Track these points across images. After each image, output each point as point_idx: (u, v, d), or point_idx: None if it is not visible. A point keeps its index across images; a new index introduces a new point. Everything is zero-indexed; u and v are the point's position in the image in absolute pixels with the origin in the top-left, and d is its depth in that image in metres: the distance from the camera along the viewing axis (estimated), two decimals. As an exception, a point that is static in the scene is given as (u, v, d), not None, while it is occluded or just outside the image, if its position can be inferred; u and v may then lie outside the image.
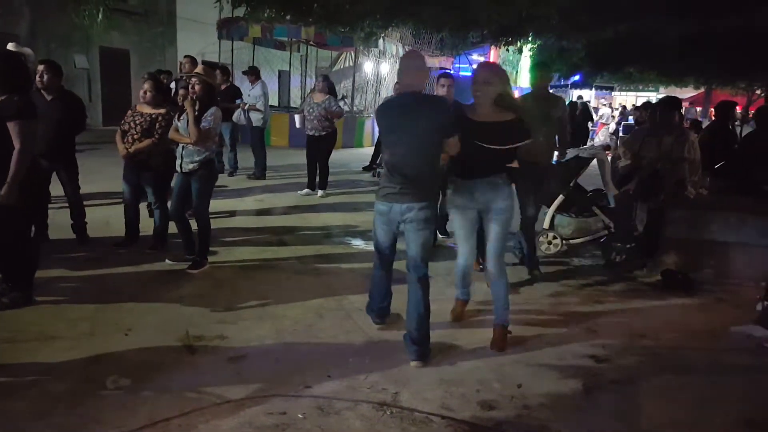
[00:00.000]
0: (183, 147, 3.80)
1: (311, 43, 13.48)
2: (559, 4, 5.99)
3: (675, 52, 9.38)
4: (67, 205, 4.46)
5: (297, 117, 7.19)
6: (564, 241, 4.75)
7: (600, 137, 14.90)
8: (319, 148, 6.76)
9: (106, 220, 4.91)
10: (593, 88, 20.22)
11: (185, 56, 6.91)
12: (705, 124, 10.16)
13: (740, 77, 13.29)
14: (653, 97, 18.36)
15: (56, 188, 4.33)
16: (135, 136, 4.10)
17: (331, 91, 6.86)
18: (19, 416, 2.18)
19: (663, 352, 3.09)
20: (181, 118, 3.84)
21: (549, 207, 4.71)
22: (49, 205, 4.45)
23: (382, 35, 11.06)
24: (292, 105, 15.34)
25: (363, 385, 2.53)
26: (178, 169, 3.87)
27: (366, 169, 9.02)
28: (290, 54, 15.18)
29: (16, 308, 3.09)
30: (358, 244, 4.94)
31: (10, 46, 5.48)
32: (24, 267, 3.18)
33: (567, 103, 8.52)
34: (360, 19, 7.34)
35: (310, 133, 6.73)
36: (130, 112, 4.27)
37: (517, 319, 3.25)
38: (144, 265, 3.94)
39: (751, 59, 9.08)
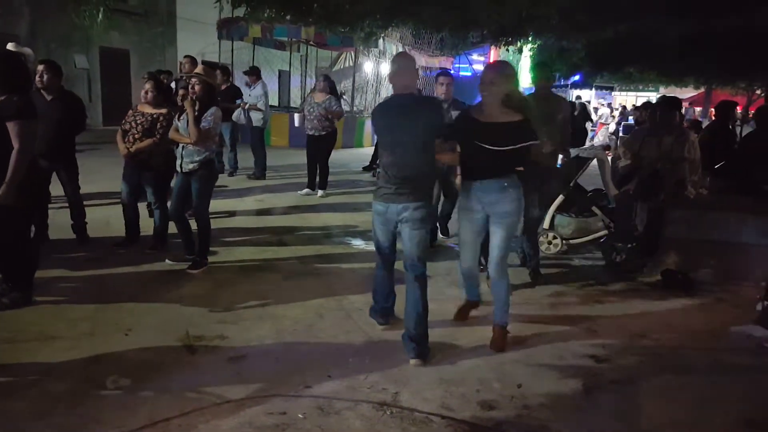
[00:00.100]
0: (183, 147, 3.80)
1: (311, 43, 13.49)
2: (559, 4, 5.99)
3: (675, 52, 9.38)
4: (67, 205, 4.46)
5: (297, 116, 7.20)
6: (564, 241, 4.76)
7: (599, 137, 14.90)
8: (319, 148, 6.76)
9: (106, 220, 4.91)
10: (593, 88, 20.21)
11: (185, 56, 6.91)
12: (705, 124, 10.16)
13: (740, 77, 13.29)
14: (653, 97, 18.35)
15: (56, 188, 4.33)
16: (136, 136, 4.10)
17: (332, 90, 6.86)
18: (19, 416, 2.18)
19: (663, 352, 3.09)
20: (181, 118, 3.84)
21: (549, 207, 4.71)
22: (49, 205, 4.45)
23: (382, 35, 11.06)
24: (292, 105, 15.34)
25: (363, 385, 2.53)
26: (178, 169, 3.87)
27: (366, 169, 9.02)
28: (290, 54, 15.18)
29: (16, 308, 3.09)
30: (358, 244, 4.94)
31: (10, 46, 5.49)
32: (24, 267, 3.18)
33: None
34: (360, 19, 7.34)
35: (310, 133, 6.73)
36: (131, 111, 4.27)
37: (517, 319, 3.25)
38: (144, 265, 3.94)
39: (751, 59, 9.08)
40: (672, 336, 3.29)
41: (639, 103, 12.60)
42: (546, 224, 4.70)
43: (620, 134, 13.79)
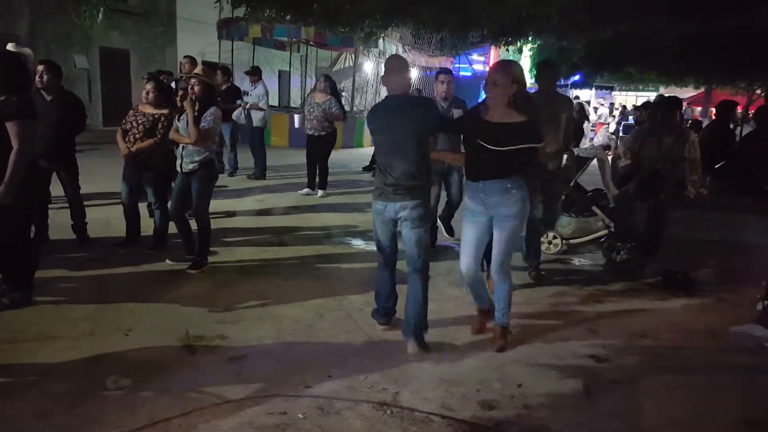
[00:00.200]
0: (183, 147, 3.80)
1: (311, 43, 13.49)
2: (558, 4, 5.99)
3: (675, 52, 9.38)
4: (67, 205, 4.46)
5: (297, 117, 7.20)
6: (564, 241, 4.76)
7: (599, 137, 14.91)
8: (318, 148, 6.76)
9: (106, 221, 4.91)
10: (593, 88, 20.20)
11: (185, 56, 6.91)
12: (705, 123, 10.16)
13: (740, 77, 13.29)
14: (653, 97, 18.34)
15: (56, 188, 4.33)
16: (137, 136, 4.10)
17: (333, 91, 6.85)
18: (19, 416, 2.18)
19: (663, 351, 3.09)
20: (181, 118, 3.84)
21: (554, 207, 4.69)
22: (50, 206, 4.45)
23: (382, 35, 11.07)
24: (292, 105, 15.35)
25: (363, 384, 2.53)
26: (178, 169, 3.87)
27: (366, 169, 9.02)
28: (290, 54, 15.18)
29: (16, 308, 3.09)
30: (359, 244, 4.94)
31: (10, 47, 5.49)
32: (24, 267, 3.18)
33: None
34: (360, 19, 7.33)
35: (310, 133, 6.73)
36: (131, 111, 4.27)
37: (517, 319, 3.25)
38: (144, 266, 3.94)
39: (751, 59, 9.08)
40: (672, 336, 3.29)
41: (639, 103, 12.59)
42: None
43: (620, 134, 13.79)
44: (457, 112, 4.21)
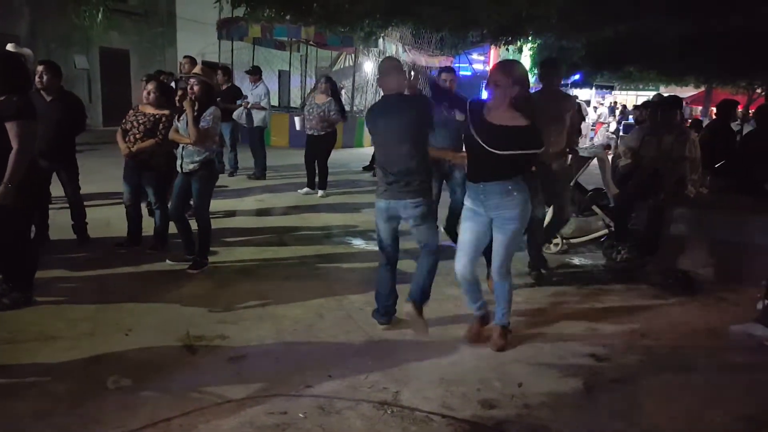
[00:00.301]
0: (183, 147, 3.80)
1: (311, 43, 13.49)
2: (558, 4, 5.98)
3: (675, 52, 9.37)
4: (67, 205, 4.46)
5: (297, 119, 7.18)
6: (564, 240, 4.75)
7: (599, 137, 14.92)
8: (318, 148, 6.76)
9: (106, 221, 4.91)
10: (593, 88, 20.20)
11: (185, 56, 6.91)
12: (705, 122, 10.16)
13: (740, 77, 13.28)
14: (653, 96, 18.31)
15: (56, 189, 4.33)
16: (137, 136, 4.10)
17: (333, 92, 6.84)
18: (20, 416, 2.18)
19: (663, 351, 3.09)
20: (181, 118, 3.84)
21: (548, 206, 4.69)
22: (50, 206, 4.45)
23: (382, 35, 11.06)
24: (292, 105, 15.34)
25: (363, 384, 2.53)
26: (178, 169, 3.87)
27: (366, 168, 9.02)
28: (290, 54, 15.18)
29: (17, 308, 3.09)
30: (359, 244, 4.94)
31: (10, 47, 5.49)
32: (24, 267, 3.18)
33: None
34: (360, 18, 7.33)
35: (310, 133, 6.74)
36: (131, 111, 4.27)
37: (517, 319, 3.25)
38: (144, 266, 3.95)
39: (751, 59, 9.08)
40: (672, 335, 3.29)
41: (639, 103, 12.58)
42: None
43: (620, 133, 13.79)
44: (459, 114, 4.19)
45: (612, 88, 21.79)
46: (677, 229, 4.41)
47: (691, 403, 2.56)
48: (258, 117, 7.55)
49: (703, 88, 18.88)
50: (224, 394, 2.39)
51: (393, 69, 2.96)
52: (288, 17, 8.34)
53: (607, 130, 16.02)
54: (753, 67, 10.37)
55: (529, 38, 9.89)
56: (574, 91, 19.56)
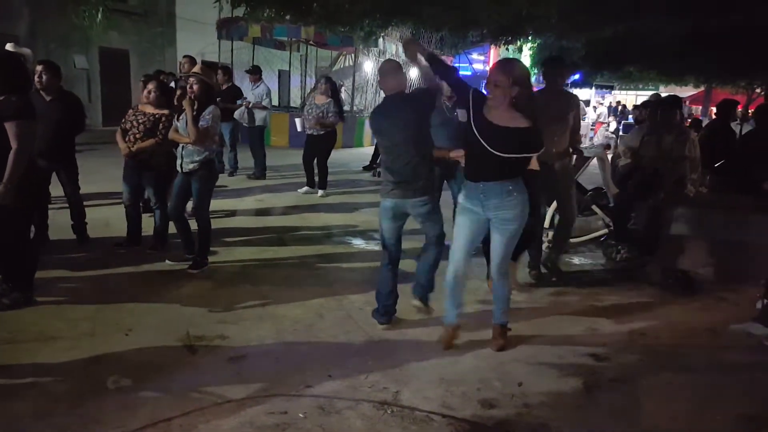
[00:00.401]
0: (183, 147, 3.80)
1: (311, 42, 13.48)
2: (558, 3, 5.98)
3: (675, 52, 9.37)
4: (67, 205, 4.46)
5: (298, 121, 7.17)
6: (555, 226, 4.73)
7: (599, 137, 14.91)
8: (318, 148, 6.76)
9: (106, 221, 4.91)
10: (593, 87, 20.20)
11: (184, 56, 6.91)
12: (705, 122, 10.16)
13: (740, 76, 13.28)
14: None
15: (56, 189, 4.33)
16: (137, 135, 4.10)
17: (333, 93, 6.84)
18: (20, 417, 2.18)
19: (663, 350, 3.09)
20: (180, 118, 3.84)
21: (549, 206, 4.69)
22: (49, 206, 4.45)
23: (382, 35, 11.06)
24: (292, 105, 15.34)
25: (364, 384, 2.53)
26: (178, 168, 3.87)
27: (366, 168, 9.02)
28: (290, 54, 15.18)
29: (17, 309, 3.09)
30: (359, 244, 4.94)
31: (9, 47, 5.48)
32: (24, 267, 3.18)
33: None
34: (360, 18, 7.32)
35: (309, 132, 6.74)
36: (131, 111, 4.27)
37: (517, 318, 3.25)
38: (144, 266, 3.95)
39: (751, 59, 9.07)
40: (672, 334, 3.29)
41: (639, 102, 12.59)
42: (546, 223, 4.69)
43: (620, 133, 13.79)
44: (461, 113, 4.19)
45: (612, 88, 21.79)
46: (677, 229, 4.41)
47: (691, 403, 2.57)
48: (259, 116, 7.56)
49: (702, 88, 18.88)
50: (224, 394, 2.39)
51: (393, 70, 3.01)
52: (288, 17, 8.33)
53: (607, 130, 16.02)
54: (753, 67, 10.37)
55: (529, 38, 9.88)
56: (574, 91, 19.56)
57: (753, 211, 4.35)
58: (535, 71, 10.70)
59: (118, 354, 2.71)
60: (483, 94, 2.80)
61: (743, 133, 7.58)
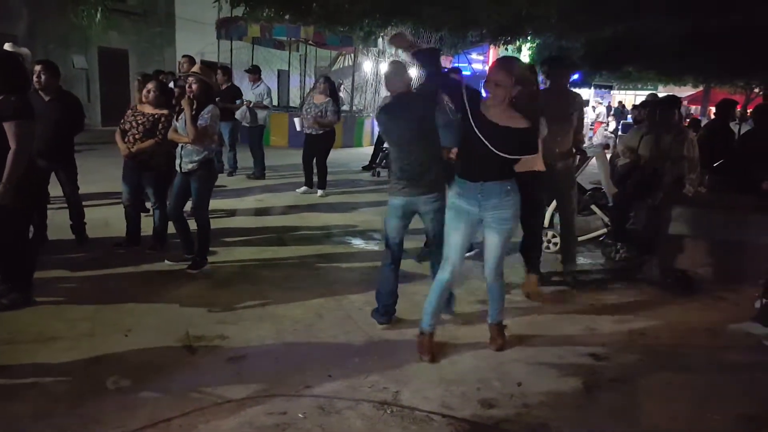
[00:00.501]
0: (182, 147, 3.79)
1: (310, 42, 13.48)
2: (558, 3, 5.98)
3: (674, 52, 9.37)
4: (66, 205, 4.45)
5: (297, 120, 7.17)
6: (559, 235, 4.74)
7: (598, 136, 14.92)
8: (317, 147, 6.76)
9: (105, 221, 4.91)
10: (592, 87, 20.20)
11: (183, 56, 6.90)
12: (703, 122, 10.17)
13: (739, 76, 13.29)
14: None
15: (55, 189, 4.33)
16: (136, 136, 4.09)
17: (332, 92, 6.84)
18: (20, 417, 2.18)
19: (662, 350, 3.09)
20: (179, 118, 3.84)
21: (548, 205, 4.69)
22: (48, 206, 4.44)
23: (382, 35, 11.05)
24: (292, 105, 15.33)
25: (363, 384, 2.54)
26: (177, 169, 3.87)
27: (365, 168, 9.02)
28: (289, 53, 15.18)
29: (16, 309, 3.08)
30: (358, 243, 4.94)
31: (7, 47, 5.47)
32: (23, 268, 3.17)
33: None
34: (359, 18, 7.33)
35: (308, 132, 6.74)
36: (130, 111, 4.26)
37: (517, 318, 3.25)
38: (143, 266, 3.94)
39: (751, 59, 9.08)
40: (671, 334, 3.30)
41: (638, 102, 12.60)
42: (546, 223, 4.70)
43: (619, 133, 13.80)
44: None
45: (611, 88, 21.80)
46: (676, 229, 4.42)
47: (691, 403, 2.57)
48: (260, 116, 7.57)
49: (701, 88, 18.90)
50: (224, 394, 2.39)
51: (398, 72, 3.07)
52: (287, 17, 8.34)
53: (606, 129, 16.04)
54: (753, 67, 10.37)
55: (528, 38, 9.88)
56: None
57: (752, 211, 4.36)
58: (543, 69, 10.65)
59: (118, 354, 2.70)
60: (477, 91, 2.77)
61: (742, 133, 7.60)
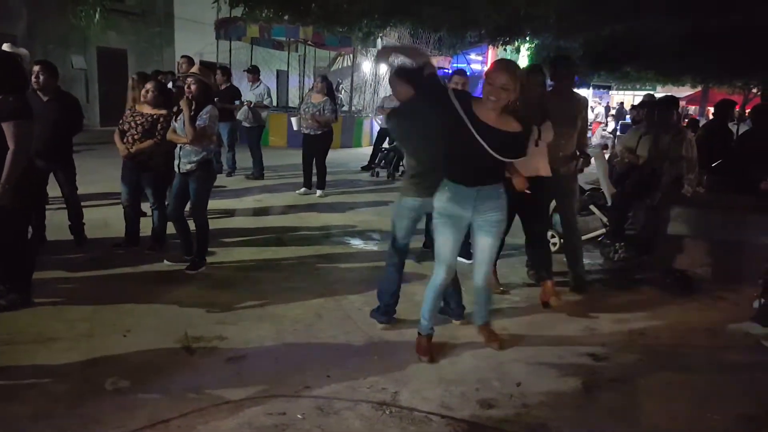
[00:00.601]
0: (181, 147, 3.79)
1: (309, 43, 13.48)
2: (557, 3, 5.99)
3: (673, 52, 9.38)
4: (64, 206, 4.45)
5: (293, 120, 7.18)
6: (562, 240, 4.75)
7: (596, 137, 14.94)
8: (315, 147, 6.76)
9: (104, 221, 4.90)
10: (590, 87, 20.23)
11: (182, 56, 6.89)
12: (702, 122, 10.19)
13: (739, 76, 13.30)
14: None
15: (54, 189, 4.32)
16: (135, 136, 4.08)
17: (329, 92, 6.85)
18: (19, 417, 2.17)
19: (662, 350, 3.09)
20: (178, 118, 3.84)
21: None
22: (47, 206, 4.44)
23: (381, 35, 11.06)
24: (291, 105, 15.33)
25: (362, 384, 2.53)
26: (176, 169, 3.87)
27: (364, 168, 9.02)
28: (288, 54, 15.17)
29: (14, 310, 3.08)
30: (357, 244, 4.94)
31: (6, 47, 5.46)
32: (22, 268, 3.17)
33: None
34: (358, 18, 7.33)
35: (306, 132, 6.74)
36: (128, 111, 4.26)
37: (516, 318, 3.25)
38: (142, 266, 3.94)
39: (750, 59, 9.09)
40: (670, 334, 3.30)
41: (636, 102, 12.62)
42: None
43: (618, 133, 13.82)
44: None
45: (609, 88, 21.82)
46: (675, 229, 4.42)
47: (691, 403, 2.57)
48: (262, 115, 7.58)
49: (699, 88, 18.92)
50: (223, 395, 2.39)
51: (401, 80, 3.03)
52: (286, 17, 8.34)
53: (604, 130, 16.06)
54: (753, 67, 10.37)
55: (527, 38, 9.89)
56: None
57: (750, 211, 4.36)
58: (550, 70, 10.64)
59: (117, 355, 2.70)
60: (466, 93, 2.72)
61: (740, 133, 7.60)
